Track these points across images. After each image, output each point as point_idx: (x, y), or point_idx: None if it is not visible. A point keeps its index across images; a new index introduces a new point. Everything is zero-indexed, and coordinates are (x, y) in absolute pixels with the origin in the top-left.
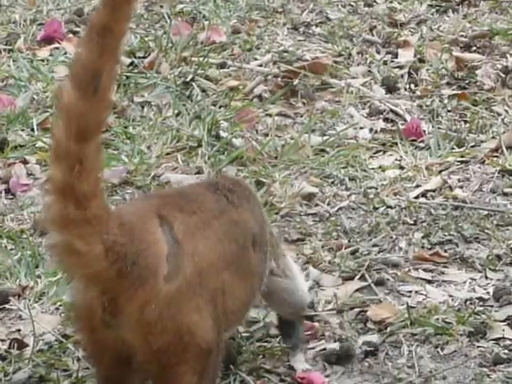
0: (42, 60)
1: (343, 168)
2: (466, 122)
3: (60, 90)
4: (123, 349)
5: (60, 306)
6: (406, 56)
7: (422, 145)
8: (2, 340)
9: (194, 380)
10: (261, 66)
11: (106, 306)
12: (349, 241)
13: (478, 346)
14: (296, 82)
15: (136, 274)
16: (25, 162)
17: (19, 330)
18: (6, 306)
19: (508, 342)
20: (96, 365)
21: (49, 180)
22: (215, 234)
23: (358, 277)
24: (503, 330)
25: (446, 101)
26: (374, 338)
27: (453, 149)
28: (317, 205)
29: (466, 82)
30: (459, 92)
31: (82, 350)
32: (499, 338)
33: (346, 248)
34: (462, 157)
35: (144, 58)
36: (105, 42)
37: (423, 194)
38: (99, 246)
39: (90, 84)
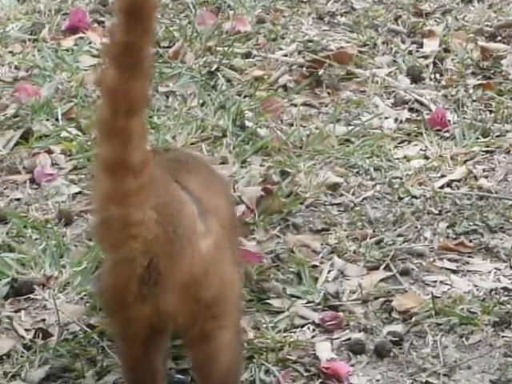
0: (67, 50)
1: (368, 158)
2: (491, 111)
3: (101, 73)
4: (158, 321)
5: (85, 295)
6: (431, 46)
7: (447, 135)
8: (27, 330)
9: (234, 338)
10: (286, 55)
11: (146, 277)
12: (373, 231)
13: (503, 336)
14: (321, 71)
15: (181, 235)
16: (49, 152)
17: (44, 320)
18: (31, 295)
19: None
20: (126, 347)
21: (100, 159)
22: (220, 193)
23: (382, 267)
24: None
25: (471, 91)
26: (398, 327)
27: (478, 139)
28: (341, 195)
29: (491, 71)
30: (484, 82)
31: (112, 333)
32: None
33: (370, 238)
34: (487, 147)
35: (169, 47)
36: (139, 21)
37: (448, 184)
38: (153, 212)
39: (136, 63)
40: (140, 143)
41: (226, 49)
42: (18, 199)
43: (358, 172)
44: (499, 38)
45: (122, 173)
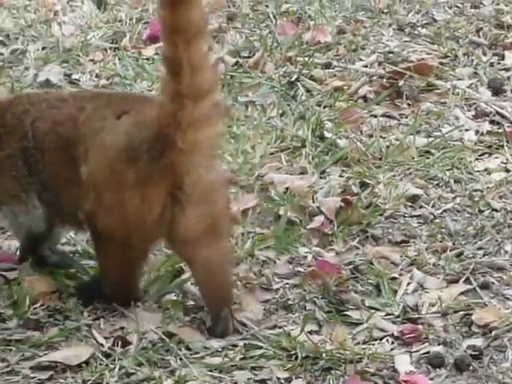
0: (148, 59)
1: (448, 170)
2: None
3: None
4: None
5: (162, 303)
6: None
7: None
8: (106, 337)
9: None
10: (366, 66)
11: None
12: (454, 243)
13: None
14: (401, 83)
15: None
16: None
17: (122, 328)
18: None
19: None
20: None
21: (178, 92)
22: None
23: (462, 280)
24: None
25: None
26: (478, 341)
27: None
28: (421, 207)
29: None
30: None
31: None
32: None
33: (450, 250)
34: None
35: (249, 57)
36: None
37: None
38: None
39: None
40: (205, 70)
41: (306, 59)
42: None
43: (438, 184)
44: None
45: (201, 98)
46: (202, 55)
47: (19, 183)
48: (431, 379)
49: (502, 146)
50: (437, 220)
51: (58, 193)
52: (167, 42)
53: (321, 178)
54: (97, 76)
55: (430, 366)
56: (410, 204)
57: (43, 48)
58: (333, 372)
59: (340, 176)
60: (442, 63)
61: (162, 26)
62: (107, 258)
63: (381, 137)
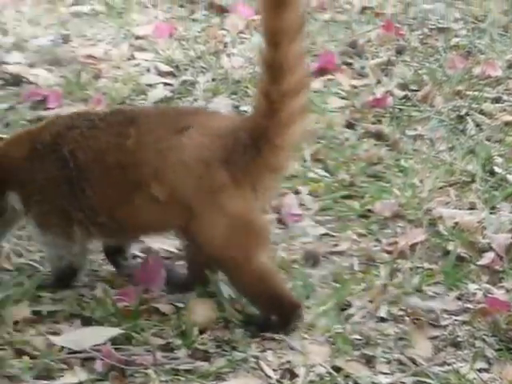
0: (316, 91)
1: None
2: None
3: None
4: None
5: (330, 337)
6: None
7: None
8: (274, 370)
9: None
10: None
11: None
12: None
13: None
14: None
15: None
16: (296, 193)
17: (289, 362)
18: (276, 336)
19: None
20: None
21: (280, 91)
22: None
23: None
24: None
25: None
26: None
27: None
28: None
29: None
30: None
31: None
32: None
33: None
34: None
35: (417, 91)
36: None
37: None
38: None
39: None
40: (302, 68)
41: (475, 93)
42: None
43: None
44: None
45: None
46: (300, 54)
47: (63, 213)
48: None
49: None
50: None
51: (112, 215)
52: (270, 45)
53: (491, 213)
54: None
55: None
56: None
57: (213, 79)
58: None
59: (510, 212)
60: None
61: (264, 29)
62: (235, 274)
63: None
